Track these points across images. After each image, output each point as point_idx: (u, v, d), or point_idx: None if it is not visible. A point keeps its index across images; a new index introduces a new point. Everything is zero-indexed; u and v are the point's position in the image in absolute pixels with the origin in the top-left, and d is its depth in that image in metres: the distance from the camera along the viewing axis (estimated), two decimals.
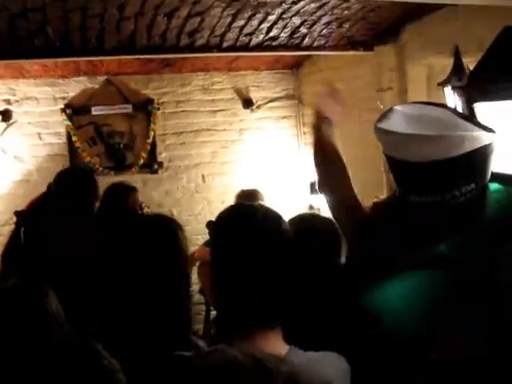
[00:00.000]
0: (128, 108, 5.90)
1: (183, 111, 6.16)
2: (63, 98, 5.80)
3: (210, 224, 4.28)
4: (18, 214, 3.43)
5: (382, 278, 1.55)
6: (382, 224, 1.72)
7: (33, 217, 3.33)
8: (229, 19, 4.07)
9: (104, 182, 4.63)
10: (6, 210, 5.68)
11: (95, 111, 5.81)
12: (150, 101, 5.96)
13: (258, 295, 1.37)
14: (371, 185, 4.64)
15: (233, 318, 1.40)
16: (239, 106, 6.33)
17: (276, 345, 1.37)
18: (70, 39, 3.98)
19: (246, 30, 4.32)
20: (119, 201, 3.44)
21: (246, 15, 4.05)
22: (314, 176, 6.20)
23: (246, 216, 1.44)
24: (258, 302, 1.37)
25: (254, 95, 6.37)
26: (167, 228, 2.00)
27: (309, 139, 6.36)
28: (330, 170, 2.17)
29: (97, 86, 5.86)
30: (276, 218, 1.45)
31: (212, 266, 1.46)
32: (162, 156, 6.09)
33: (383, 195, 4.59)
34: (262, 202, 4.89)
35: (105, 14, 3.68)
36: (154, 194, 5.95)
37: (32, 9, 3.47)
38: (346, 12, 4.23)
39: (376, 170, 4.80)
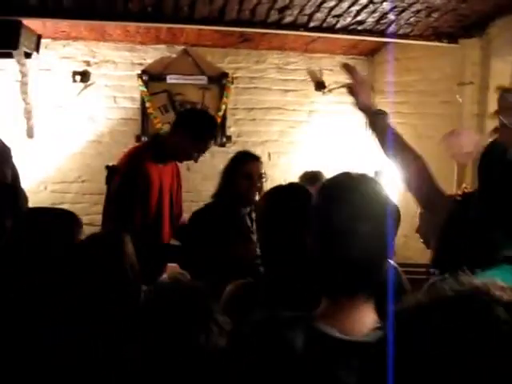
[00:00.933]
0: (202, 79, 5.97)
1: (255, 88, 6.20)
2: (140, 64, 5.90)
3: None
4: (109, 168, 3.50)
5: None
6: None
7: None
8: None
9: None
10: (76, 168, 5.86)
11: (170, 80, 5.90)
12: (225, 74, 6.02)
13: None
14: (442, 179, 4.60)
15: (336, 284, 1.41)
16: (311, 87, 6.33)
17: (370, 315, 1.39)
18: (162, 6, 4.03)
19: (335, 12, 4.32)
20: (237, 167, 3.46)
21: None
22: (378, 165, 6.19)
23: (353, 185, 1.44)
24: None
25: (327, 79, 6.36)
26: None
27: None
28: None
29: (174, 56, 5.94)
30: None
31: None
32: (231, 130, 6.15)
33: (454, 190, 4.55)
34: None
35: None
36: (220, 167, 5.99)
37: None
38: (437, 1, 4.18)
39: (448, 165, 4.75)
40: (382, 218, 1.36)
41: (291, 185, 2.42)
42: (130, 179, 3.28)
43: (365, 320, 1.35)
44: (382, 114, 2.31)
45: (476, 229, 1.73)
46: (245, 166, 3.46)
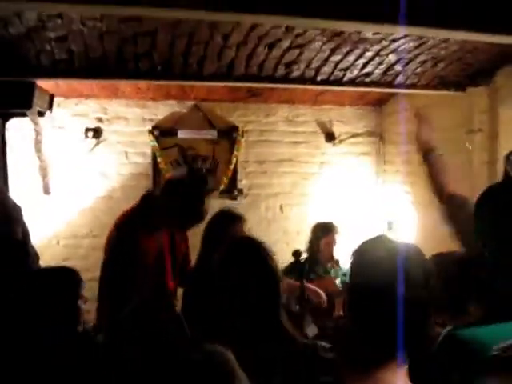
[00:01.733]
0: (213, 134, 6.04)
1: (266, 140, 6.25)
2: (151, 120, 5.99)
3: (296, 253, 4.30)
4: None
5: None
6: None
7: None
8: (327, 53, 4.13)
9: None
10: (87, 223, 5.89)
11: (181, 134, 5.97)
12: (235, 128, 6.09)
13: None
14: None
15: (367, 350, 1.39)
16: (321, 139, 6.38)
17: (401, 379, 1.36)
18: (171, 64, 4.11)
19: (342, 65, 4.37)
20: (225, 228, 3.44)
21: (345, 50, 4.10)
22: (391, 215, 6.18)
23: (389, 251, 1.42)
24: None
25: (337, 129, 6.42)
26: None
27: (388, 177, 6.34)
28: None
29: (184, 111, 6.03)
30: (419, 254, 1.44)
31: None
32: (243, 183, 6.18)
33: None
34: (336, 236, 4.89)
35: (209, 42, 3.79)
36: None
37: (143, 33, 3.62)
38: (442, 52, 4.23)
39: None
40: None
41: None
42: (121, 256, 3.14)
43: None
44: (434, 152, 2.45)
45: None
46: (234, 228, 3.45)
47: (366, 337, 1.38)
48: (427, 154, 2.44)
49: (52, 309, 2.40)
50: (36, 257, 3.55)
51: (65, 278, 2.66)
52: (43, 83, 4.59)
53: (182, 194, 3.25)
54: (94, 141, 5.84)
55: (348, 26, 3.28)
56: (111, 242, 3.26)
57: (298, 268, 3.93)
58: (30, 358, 2.15)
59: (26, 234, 3.41)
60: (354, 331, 1.41)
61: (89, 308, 2.99)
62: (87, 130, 5.81)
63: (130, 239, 3.13)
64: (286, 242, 6.13)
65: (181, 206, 3.23)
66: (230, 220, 3.55)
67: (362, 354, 1.39)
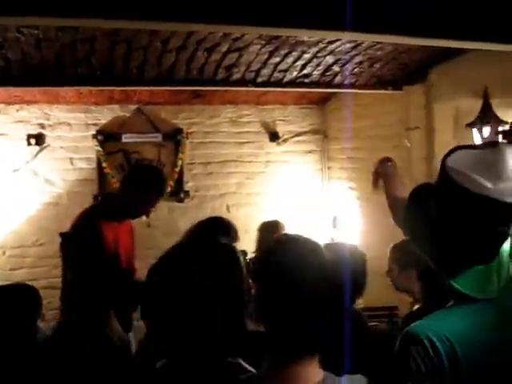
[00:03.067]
0: (157, 137, 6.04)
1: (211, 142, 6.30)
2: (95, 125, 5.95)
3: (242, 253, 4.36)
4: (62, 235, 3.51)
5: None
6: None
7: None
8: (266, 56, 4.21)
9: None
10: (33, 231, 5.81)
11: (125, 139, 5.96)
12: (179, 130, 6.11)
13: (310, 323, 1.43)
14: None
15: (282, 344, 1.46)
16: (266, 139, 6.46)
17: (313, 371, 1.43)
18: (111, 69, 4.12)
19: (281, 67, 4.46)
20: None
21: (283, 52, 4.18)
22: (336, 211, 6.30)
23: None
24: (308, 328, 1.43)
25: (281, 129, 6.50)
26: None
27: (333, 173, 6.47)
28: None
29: (128, 115, 6.01)
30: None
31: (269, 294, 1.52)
32: (189, 185, 6.20)
33: None
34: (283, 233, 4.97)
35: (149, 47, 3.82)
36: (180, 222, 6.03)
37: (82, 39, 3.62)
38: (378, 52, 4.36)
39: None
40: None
41: None
42: (84, 240, 3.32)
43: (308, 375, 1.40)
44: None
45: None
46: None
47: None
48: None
49: (11, 328, 2.39)
50: None
51: (25, 297, 2.64)
52: None
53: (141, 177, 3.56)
54: (37, 147, 5.77)
55: (284, 32, 3.35)
56: (74, 229, 3.44)
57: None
58: None
59: None
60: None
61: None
62: (29, 136, 5.74)
63: (91, 227, 3.33)
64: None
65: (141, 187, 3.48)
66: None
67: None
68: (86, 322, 3.20)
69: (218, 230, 3.49)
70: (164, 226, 5.69)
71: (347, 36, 3.43)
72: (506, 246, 1.62)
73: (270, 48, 4.06)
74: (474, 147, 1.73)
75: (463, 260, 1.61)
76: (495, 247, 1.60)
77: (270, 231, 4.98)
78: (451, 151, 1.66)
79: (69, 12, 2.57)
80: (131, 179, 3.64)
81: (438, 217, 1.67)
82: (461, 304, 1.61)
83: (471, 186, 1.51)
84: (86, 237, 3.35)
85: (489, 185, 1.50)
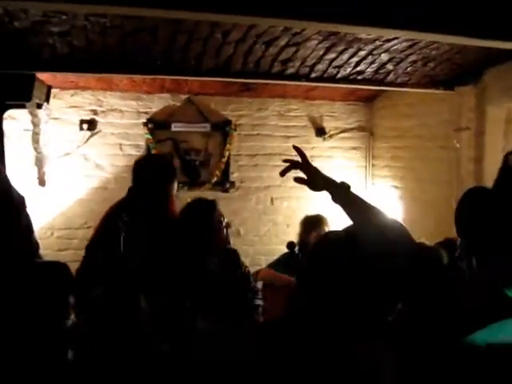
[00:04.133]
0: (206, 127, 6.14)
1: (258, 134, 6.37)
2: (146, 113, 6.07)
3: (290, 244, 4.43)
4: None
5: None
6: None
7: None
8: (322, 51, 4.25)
9: (177, 197, 4.86)
10: (82, 214, 5.96)
11: (175, 127, 6.07)
12: (228, 122, 6.19)
13: None
14: (443, 223, 4.70)
15: None
16: (312, 133, 6.51)
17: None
18: (170, 59, 4.21)
19: (336, 63, 4.49)
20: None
21: (339, 49, 4.22)
22: (383, 207, 6.32)
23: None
24: None
25: (327, 124, 6.54)
26: None
27: (377, 171, 6.49)
28: None
29: (178, 104, 6.12)
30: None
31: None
32: (235, 176, 6.29)
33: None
34: (326, 228, 4.99)
35: (209, 38, 3.89)
36: (224, 212, 6.11)
37: (144, 28, 3.71)
38: (433, 52, 4.36)
39: (448, 209, 4.82)
40: None
41: None
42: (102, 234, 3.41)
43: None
44: (344, 187, 1.97)
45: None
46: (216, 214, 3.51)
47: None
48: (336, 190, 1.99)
49: (43, 303, 2.48)
50: (37, 246, 3.65)
51: (56, 273, 2.73)
52: (41, 74, 4.66)
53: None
54: (89, 132, 5.92)
55: (344, 29, 3.39)
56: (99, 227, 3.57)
57: (292, 259, 4.04)
58: (22, 352, 2.21)
59: (29, 224, 3.50)
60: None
61: None
62: (82, 121, 5.88)
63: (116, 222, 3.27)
64: (276, 234, 6.27)
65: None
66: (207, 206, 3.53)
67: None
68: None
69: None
70: None
71: (404, 34, 3.46)
72: None
73: (326, 44, 4.10)
74: None
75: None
76: None
77: (312, 225, 5.00)
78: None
79: (136, 1, 2.67)
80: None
81: (499, 217, 1.68)
82: None
83: None
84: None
85: None
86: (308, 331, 1.57)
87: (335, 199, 1.93)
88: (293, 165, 2.03)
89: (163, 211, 3.63)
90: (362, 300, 1.54)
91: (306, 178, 1.99)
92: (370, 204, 1.90)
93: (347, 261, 1.60)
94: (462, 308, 1.62)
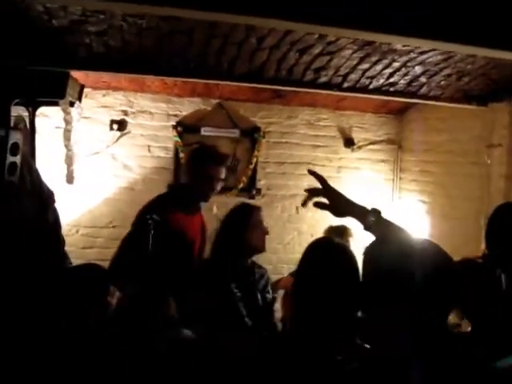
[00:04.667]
0: (235, 133, 6.15)
1: (287, 142, 6.36)
2: (175, 116, 6.11)
3: None
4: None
5: None
6: None
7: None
8: (355, 61, 4.23)
9: None
10: (108, 213, 6.00)
11: (204, 132, 6.08)
12: (257, 129, 6.20)
13: None
14: (471, 240, 4.65)
15: None
16: (340, 144, 6.48)
17: None
18: (204, 62, 4.23)
19: (369, 74, 4.47)
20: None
21: (373, 59, 4.19)
22: (404, 223, 6.26)
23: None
24: None
25: (356, 136, 6.51)
26: None
27: (405, 185, 6.44)
28: None
29: (209, 109, 6.14)
30: None
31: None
32: (261, 183, 6.29)
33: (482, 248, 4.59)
34: (350, 239, 4.96)
35: (244, 43, 3.90)
36: None
37: (180, 31, 3.73)
38: (468, 66, 4.32)
39: (476, 226, 4.76)
40: None
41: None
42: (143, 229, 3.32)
43: None
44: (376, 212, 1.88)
45: None
46: (255, 216, 3.60)
47: None
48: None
49: (82, 308, 2.49)
50: (63, 242, 3.68)
51: (93, 276, 2.75)
52: (75, 73, 4.71)
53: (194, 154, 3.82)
54: (119, 133, 5.96)
55: (379, 38, 3.37)
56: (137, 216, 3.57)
57: None
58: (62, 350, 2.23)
59: (57, 219, 3.53)
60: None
61: None
62: (112, 121, 5.93)
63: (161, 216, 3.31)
64: (299, 243, 6.24)
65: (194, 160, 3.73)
66: (248, 210, 3.63)
67: None
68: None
69: None
70: None
71: (440, 46, 3.43)
72: None
73: (361, 54, 4.08)
74: None
75: None
76: None
77: (336, 235, 4.97)
78: None
79: (171, 2, 2.68)
80: (188, 160, 3.87)
81: None
82: None
83: None
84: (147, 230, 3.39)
85: None
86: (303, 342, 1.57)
87: (368, 229, 1.86)
88: (313, 192, 2.01)
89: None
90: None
91: (328, 203, 1.95)
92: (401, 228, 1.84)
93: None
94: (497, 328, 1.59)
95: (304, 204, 2.01)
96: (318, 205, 1.97)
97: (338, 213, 1.94)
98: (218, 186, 3.76)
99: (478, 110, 5.15)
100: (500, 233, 2.03)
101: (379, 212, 1.86)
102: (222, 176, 3.74)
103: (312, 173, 2.07)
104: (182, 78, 4.60)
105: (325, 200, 1.97)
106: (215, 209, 5.70)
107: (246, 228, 3.45)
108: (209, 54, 4.10)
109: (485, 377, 1.43)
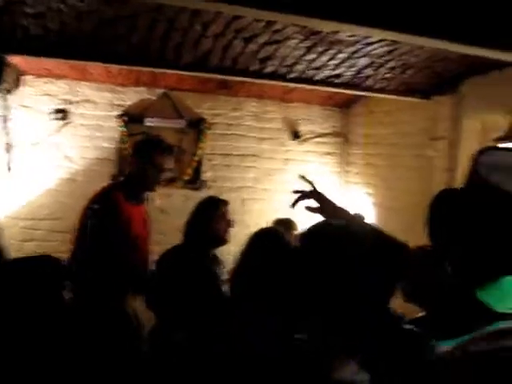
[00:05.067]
0: (181, 123, 6.05)
1: (232, 134, 6.30)
2: (120, 106, 5.97)
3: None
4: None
5: None
6: None
7: None
8: (302, 51, 4.20)
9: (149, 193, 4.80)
10: (48, 204, 5.83)
11: (148, 122, 5.97)
12: (203, 120, 6.11)
13: None
14: (411, 232, 4.67)
15: None
16: (287, 136, 6.46)
17: None
18: (149, 49, 4.12)
19: (315, 64, 4.45)
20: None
21: (319, 50, 4.17)
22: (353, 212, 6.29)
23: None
24: None
25: (302, 128, 6.51)
26: None
27: (351, 178, 6.47)
28: None
29: (154, 98, 6.02)
30: None
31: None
32: (207, 175, 6.21)
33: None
34: (294, 232, 4.97)
35: (189, 29, 3.81)
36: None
37: (122, 16, 3.62)
38: (413, 59, 4.34)
39: (417, 218, 4.80)
40: None
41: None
42: (99, 214, 3.45)
43: None
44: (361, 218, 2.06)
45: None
46: (222, 209, 3.71)
47: None
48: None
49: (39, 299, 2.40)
50: (2, 231, 3.59)
51: (48, 268, 2.65)
52: (13, 59, 4.54)
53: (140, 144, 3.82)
54: (61, 122, 5.79)
55: (326, 26, 3.34)
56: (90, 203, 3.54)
57: None
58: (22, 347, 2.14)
59: None
60: None
61: None
62: (54, 110, 5.75)
63: (112, 206, 3.51)
64: (246, 235, 6.17)
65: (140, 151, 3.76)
66: (215, 203, 3.75)
67: None
68: (103, 297, 3.23)
69: None
70: (178, 213, 5.68)
71: (385, 35, 3.40)
72: None
73: (307, 44, 4.05)
74: (505, 149, 1.67)
75: (493, 268, 1.55)
76: None
77: (282, 227, 4.96)
78: (482, 151, 1.59)
79: None
80: (134, 151, 3.85)
81: (469, 221, 1.62)
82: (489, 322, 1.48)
83: (499, 182, 1.46)
84: (105, 213, 3.48)
85: None
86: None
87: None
88: (303, 195, 2.05)
89: None
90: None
91: (317, 206, 2.00)
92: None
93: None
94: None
95: (293, 205, 2.07)
96: (309, 209, 2.01)
97: (327, 215, 1.99)
98: (164, 176, 3.80)
99: (422, 103, 5.21)
100: (440, 223, 2.00)
101: (363, 218, 1.99)
102: (169, 166, 3.79)
103: (302, 177, 2.15)
104: (125, 65, 4.46)
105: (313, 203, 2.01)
106: (158, 200, 5.62)
107: (211, 219, 3.57)
108: (153, 41, 3.99)
109: (422, 359, 1.42)
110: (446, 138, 4.91)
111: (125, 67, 5.00)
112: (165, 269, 3.45)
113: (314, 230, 1.78)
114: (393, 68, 4.59)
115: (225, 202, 3.76)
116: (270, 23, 3.63)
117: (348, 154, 6.62)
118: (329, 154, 6.63)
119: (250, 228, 6.17)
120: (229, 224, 3.70)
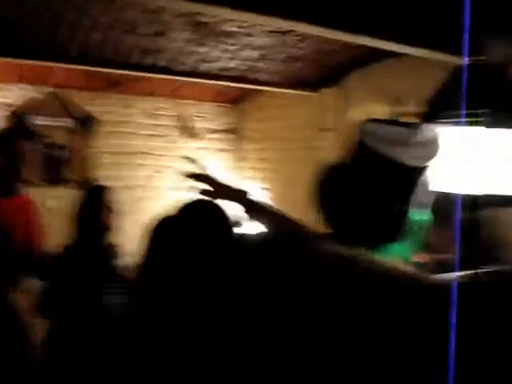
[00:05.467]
0: (69, 122, 5.86)
1: (123, 132, 6.18)
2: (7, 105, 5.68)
3: None
4: None
5: None
6: None
7: None
8: (188, 44, 4.16)
9: (38, 193, 4.63)
10: None
11: (37, 121, 5.73)
12: (92, 117, 5.95)
13: None
14: (310, 222, 4.76)
15: None
16: (179, 133, 6.43)
17: None
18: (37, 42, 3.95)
19: (202, 57, 4.44)
20: None
21: (206, 43, 4.15)
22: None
23: None
24: None
25: (195, 125, 6.48)
26: None
27: (246, 173, 6.53)
28: None
29: (41, 96, 5.79)
30: None
31: None
32: (98, 174, 6.05)
33: None
34: None
35: (76, 22, 3.67)
36: None
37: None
38: (300, 52, 4.43)
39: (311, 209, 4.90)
40: None
41: None
42: None
43: None
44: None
45: None
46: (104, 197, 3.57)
47: None
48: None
49: None
50: None
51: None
52: None
53: None
54: None
55: (210, 11, 3.29)
56: None
57: None
58: None
59: None
60: None
61: None
62: None
63: None
64: (140, 234, 6.07)
65: None
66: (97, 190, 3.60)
67: None
68: None
69: None
70: (67, 212, 5.53)
71: (270, 21, 3.39)
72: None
73: (193, 36, 4.02)
74: (386, 121, 1.75)
75: (383, 236, 1.60)
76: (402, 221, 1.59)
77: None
78: (366, 123, 1.65)
79: None
80: None
81: (363, 189, 1.67)
82: None
83: (383, 150, 1.52)
84: None
85: (399, 150, 1.51)
86: None
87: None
88: (194, 177, 2.02)
89: None
90: None
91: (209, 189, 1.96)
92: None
93: None
94: None
95: (190, 189, 2.00)
96: (202, 192, 1.96)
97: (218, 197, 1.96)
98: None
99: (312, 96, 5.34)
100: (333, 195, 1.99)
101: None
102: (35, 152, 3.65)
103: (187, 158, 2.13)
104: (5, 57, 4.24)
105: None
106: (49, 201, 5.44)
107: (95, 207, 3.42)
108: (40, 31, 3.81)
109: None
110: (333, 130, 5.06)
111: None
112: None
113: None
114: (281, 61, 4.66)
115: (106, 189, 3.61)
116: (154, 13, 3.57)
117: (242, 150, 6.67)
118: (223, 150, 6.65)
119: (144, 227, 6.15)
120: (110, 210, 3.53)
